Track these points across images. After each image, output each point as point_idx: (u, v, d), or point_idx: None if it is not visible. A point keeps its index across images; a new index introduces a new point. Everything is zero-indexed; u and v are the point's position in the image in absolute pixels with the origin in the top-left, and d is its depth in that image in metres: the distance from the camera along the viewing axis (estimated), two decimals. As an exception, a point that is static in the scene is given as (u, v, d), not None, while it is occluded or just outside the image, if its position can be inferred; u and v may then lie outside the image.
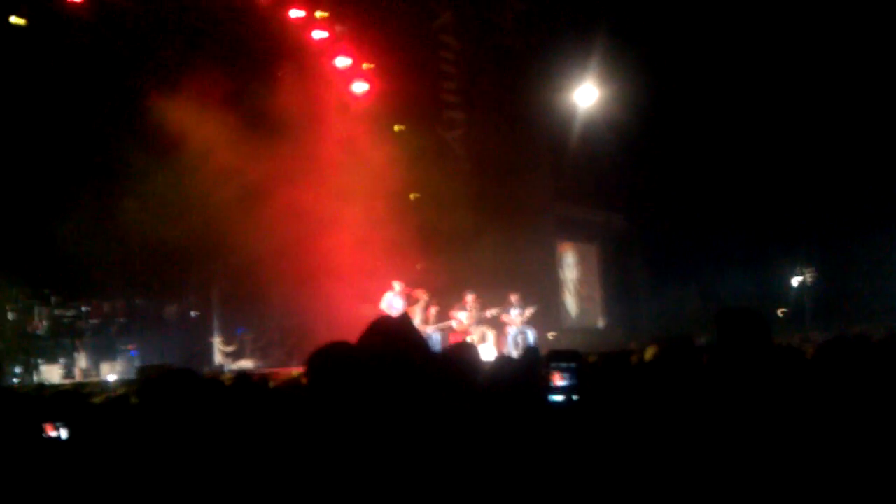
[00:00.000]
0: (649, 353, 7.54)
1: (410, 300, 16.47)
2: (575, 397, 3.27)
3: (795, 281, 25.13)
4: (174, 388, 3.25)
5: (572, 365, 3.33)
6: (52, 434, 3.62)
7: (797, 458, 3.00)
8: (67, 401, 4.23)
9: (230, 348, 17.58)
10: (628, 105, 21.94)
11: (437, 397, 2.13)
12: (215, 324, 17.75)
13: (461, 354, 2.55)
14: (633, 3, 21.79)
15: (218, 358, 17.36)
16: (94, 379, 15.18)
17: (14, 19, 15.28)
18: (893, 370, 4.14)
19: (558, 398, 3.24)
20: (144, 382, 9.46)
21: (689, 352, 5.40)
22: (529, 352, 8.29)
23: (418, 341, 2.56)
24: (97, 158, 16.34)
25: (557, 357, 3.38)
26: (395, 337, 2.55)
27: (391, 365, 2.44)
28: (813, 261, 24.84)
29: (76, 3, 15.86)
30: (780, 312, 24.37)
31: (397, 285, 16.44)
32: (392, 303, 16.27)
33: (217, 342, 17.39)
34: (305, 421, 2.57)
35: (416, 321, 16.16)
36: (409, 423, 2.27)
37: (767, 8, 21.62)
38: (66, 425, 3.58)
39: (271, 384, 7.30)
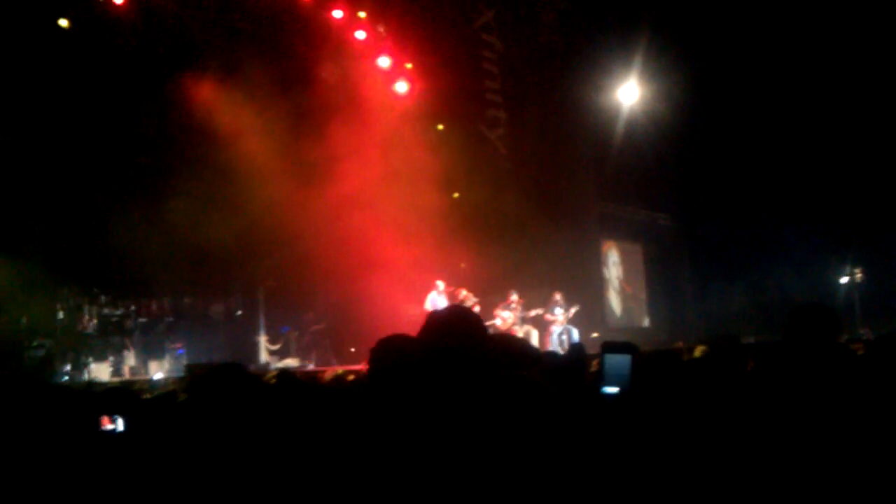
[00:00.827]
0: (698, 351, 7.49)
1: (454, 299, 16.48)
2: (627, 389, 3.24)
3: (844, 279, 24.78)
4: (222, 380, 3.28)
5: (627, 357, 3.31)
6: (109, 427, 3.67)
7: (846, 457, 2.96)
8: (120, 396, 4.30)
9: (276, 346, 17.71)
10: (672, 102, 21.78)
11: (497, 385, 2.13)
12: (261, 322, 17.88)
13: (512, 342, 2.55)
14: (676, 1, 21.59)
15: (264, 356, 17.49)
16: (142, 377, 15.37)
17: (61, 22, 15.51)
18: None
19: (612, 390, 3.22)
20: (192, 379, 9.56)
21: (736, 351, 5.35)
22: (575, 349, 8.24)
23: (476, 329, 2.56)
24: (144, 159, 16.55)
25: (612, 348, 3.36)
26: (453, 329, 2.55)
27: (451, 356, 2.44)
28: (862, 259, 24.47)
29: (119, 6, 16.06)
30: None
31: (441, 284, 16.49)
32: (436, 302, 16.31)
33: (263, 340, 17.53)
34: (360, 414, 2.58)
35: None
36: (466, 413, 2.27)
37: (815, 2, 21.32)
38: (122, 417, 3.64)
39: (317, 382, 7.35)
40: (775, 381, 3.44)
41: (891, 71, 21.39)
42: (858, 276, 24.42)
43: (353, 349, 17.14)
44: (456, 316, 2.60)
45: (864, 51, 21.51)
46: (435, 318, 2.63)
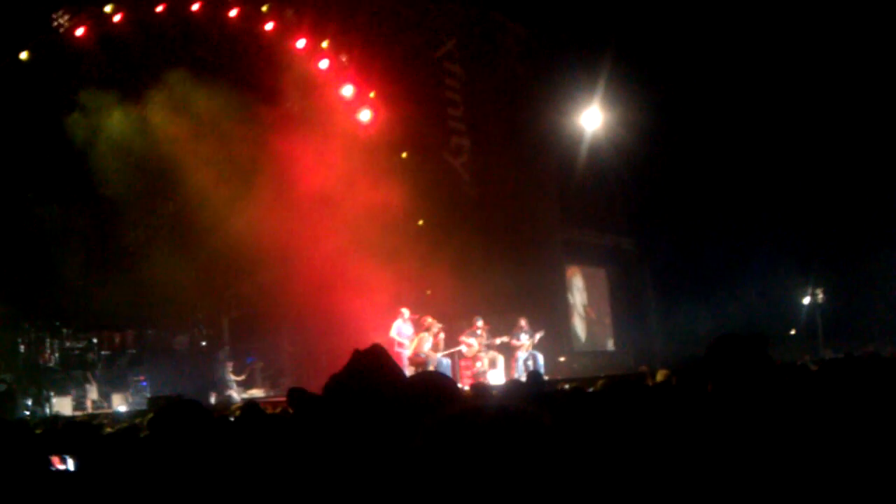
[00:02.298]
0: (660, 375, 7.57)
1: (419, 327, 16.47)
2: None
3: (806, 300, 25.06)
4: (181, 419, 3.27)
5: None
6: (60, 467, 3.64)
7: (802, 475, 3.00)
8: (78, 432, 4.26)
9: (241, 377, 17.57)
10: (634, 128, 21.99)
11: (410, 422, 2.16)
12: (226, 353, 17.74)
13: (431, 382, 2.57)
14: (637, 28, 21.87)
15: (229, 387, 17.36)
16: (105, 410, 15.18)
17: (22, 55, 15.42)
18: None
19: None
20: (155, 414, 9.48)
21: (699, 374, 5.41)
22: (531, 376, 8.31)
23: (391, 372, 2.61)
24: (103, 190, 16.42)
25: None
26: (370, 368, 2.59)
27: (366, 394, 2.49)
28: (824, 280, 24.79)
29: (80, 37, 15.99)
30: (791, 332, 24.31)
31: (406, 312, 16.48)
32: (401, 330, 16.29)
33: (228, 372, 17.39)
34: (295, 449, 2.61)
35: (426, 347, 16.15)
36: (384, 446, 2.30)
37: (770, 33, 21.68)
38: (74, 457, 3.61)
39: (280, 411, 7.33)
40: (720, 406, 3.49)
41: (846, 97, 21.77)
42: (820, 296, 24.71)
43: (315, 379, 17.02)
44: (374, 356, 2.65)
45: (816, 77, 21.88)
46: (356, 357, 2.68)
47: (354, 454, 2.35)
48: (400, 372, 2.68)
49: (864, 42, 21.14)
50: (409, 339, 16.31)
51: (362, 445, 2.35)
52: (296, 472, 2.49)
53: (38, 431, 6.84)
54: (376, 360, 2.61)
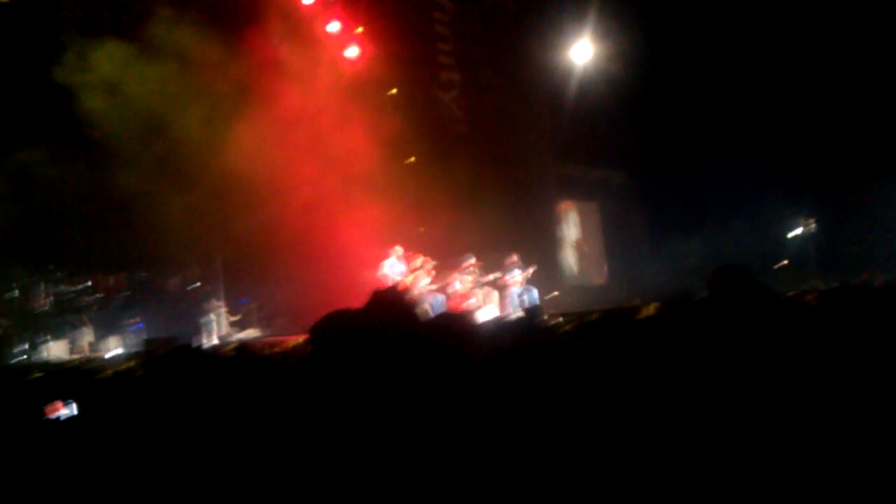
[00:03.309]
0: (651, 309, 7.61)
1: (412, 264, 16.49)
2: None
3: (798, 231, 25.13)
4: (177, 363, 3.28)
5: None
6: (64, 411, 3.65)
7: (796, 413, 3.02)
8: (73, 377, 4.27)
9: (235, 318, 17.63)
10: (625, 60, 21.84)
11: (434, 364, 2.16)
12: (220, 294, 17.77)
13: (453, 323, 2.57)
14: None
15: (224, 328, 17.42)
16: (101, 353, 15.25)
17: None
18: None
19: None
20: (149, 355, 9.52)
21: (689, 308, 5.42)
22: (530, 311, 8.33)
23: (410, 312, 2.60)
24: (92, 131, 16.27)
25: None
26: (391, 307, 2.58)
27: (390, 334, 2.47)
28: (814, 211, 24.84)
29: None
30: (783, 263, 24.39)
31: (398, 250, 16.48)
32: (393, 267, 16.29)
33: (223, 312, 17.43)
34: (306, 391, 2.60)
35: (420, 285, 16.19)
36: (409, 390, 2.30)
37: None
38: (75, 401, 3.62)
39: (276, 351, 7.37)
40: (715, 338, 3.50)
41: (843, 27, 21.58)
42: (812, 227, 24.76)
43: (310, 319, 17.07)
44: (393, 296, 2.64)
45: (814, 10, 21.67)
46: (374, 298, 2.67)
47: (380, 393, 2.35)
48: (417, 313, 2.67)
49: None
50: (402, 277, 16.34)
51: (389, 385, 2.34)
52: (309, 413, 2.49)
53: (37, 375, 6.87)
54: (395, 301, 2.60)
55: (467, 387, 2.04)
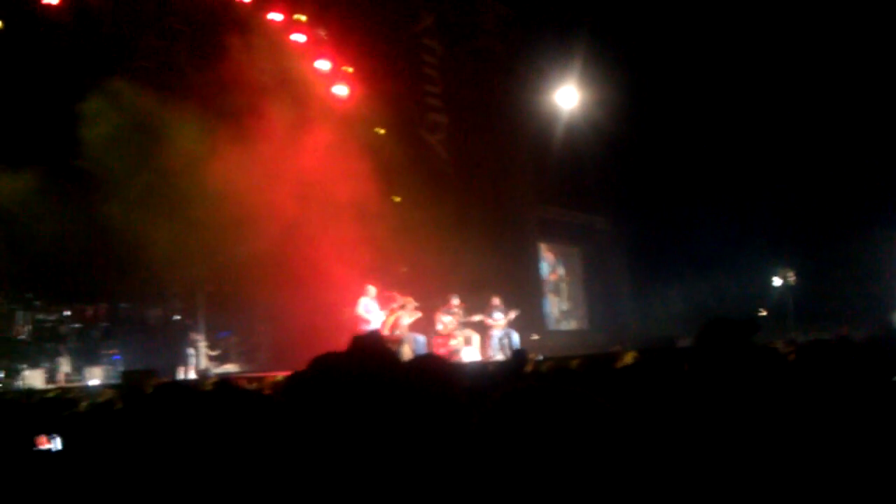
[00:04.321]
0: (629, 357, 7.64)
1: (391, 304, 16.42)
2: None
3: (777, 281, 25.29)
4: (163, 402, 3.27)
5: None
6: (46, 446, 3.64)
7: (777, 462, 3.05)
8: (56, 409, 4.25)
9: (215, 352, 17.53)
10: (610, 107, 22.04)
11: (414, 409, 2.18)
12: (201, 327, 17.68)
13: (429, 366, 2.60)
14: (614, 5, 21.88)
15: (203, 362, 17.32)
16: (77, 384, 15.12)
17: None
18: (875, 372, 4.21)
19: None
20: (128, 387, 9.46)
21: (670, 356, 5.46)
22: (517, 354, 8.33)
23: (391, 357, 2.62)
24: (78, 161, 16.27)
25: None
26: (372, 352, 2.60)
27: (369, 380, 2.49)
28: (794, 262, 25.03)
29: (54, 6, 15.80)
30: (762, 313, 24.52)
31: (372, 289, 16.36)
32: (368, 307, 16.17)
33: (202, 346, 17.35)
34: (282, 430, 2.62)
35: (402, 324, 16.15)
36: (387, 434, 2.32)
37: (746, 13, 21.75)
38: (59, 435, 3.61)
39: (255, 388, 7.33)
40: (698, 388, 3.53)
41: (820, 73, 21.90)
42: (791, 278, 24.93)
43: (290, 355, 17.07)
44: (373, 340, 2.67)
45: (790, 58, 22.01)
46: (357, 342, 2.69)
47: (359, 440, 2.36)
48: (397, 357, 2.69)
49: (833, 21, 21.23)
50: (376, 317, 16.24)
51: (369, 431, 2.36)
52: (283, 458, 2.50)
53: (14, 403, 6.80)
54: (376, 345, 2.63)
55: (457, 432, 2.06)
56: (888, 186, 22.61)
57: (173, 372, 15.53)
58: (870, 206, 22.91)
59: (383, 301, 16.45)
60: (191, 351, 16.89)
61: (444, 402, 2.63)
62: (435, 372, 2.58)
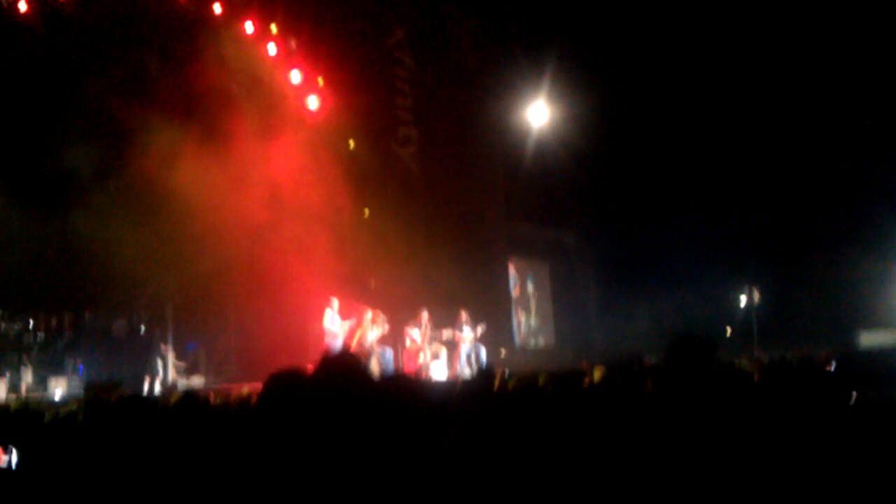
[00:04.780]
0: (597, 374, 7.65)
1: (360, 317, 16.39)
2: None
3: (743, 300, 25.48)
4: (123, 414, 3.25)
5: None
6: (4, 458, 3.59)
7: (742, 479, 3.08)
8: (17, 421, 4.20)
9: (182, 364, 17.38)
10: (580, 123, 22.16)
11: (382, 429, 2.18)
12: (169, 339, 17.53)
13: (400, 386, 2.59)
14: (586, 23, 22.03)
15: (171, 374, 17.17)
16: (40, 395, 14.94)
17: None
18: (837, 391, 4.26)
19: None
20: (91, 398, 9.35)
21: (636, 373, 5.48)
22: (484, 372, 8.32)
23: (362, 375, 2.61)
24: (44, 170, 16.12)
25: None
26: (342, 371, 2.59)
27: (339, 397, 2.48)
28: (760, 280, 25.23)
29: (24, 13, 15.69)
30: (727, 331, 24.69)
31: (335, 302, 16.30)
32: (333, 319, 16.12)
33: (170, 358, 17.20)
34: (249, 444, 2.60)
35: (370, 338, 16.12)
36: (355, 452, 2.31)
37: (711, 29, 21.98)
38: (18, 449, 3.56)
39: (220, 401, 7.28)
40: (663, 406, 3.56)
41: (782, 88, 22.16)
42: (756, 297, 25.12)
43: (259, 368, 17.01)
44: (346, 361, 2.66)
45: (759, 77, 22.26)
46: (326, 360, 2.68)
47: (332, 456, 2.35)
48: (369, 375, 2.68)
49: (802, 33, 21.49)
50: (341, 329, 16.18)
51: (342, 448, 2.35)
52: (257, 472, 2.48)
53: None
54: (347, 363, 2.62)
55: (431, 449, 2.07)
56: (853, 207, 22.90)
57: (139, 384, 15.37)
58: (835, 226, 23.17)
59: (348, 313, 16.40)
60: (158, 363, 16.73)
61: (414, 420, 2.63)
62: (406, 391, 2.58)
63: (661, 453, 3.24)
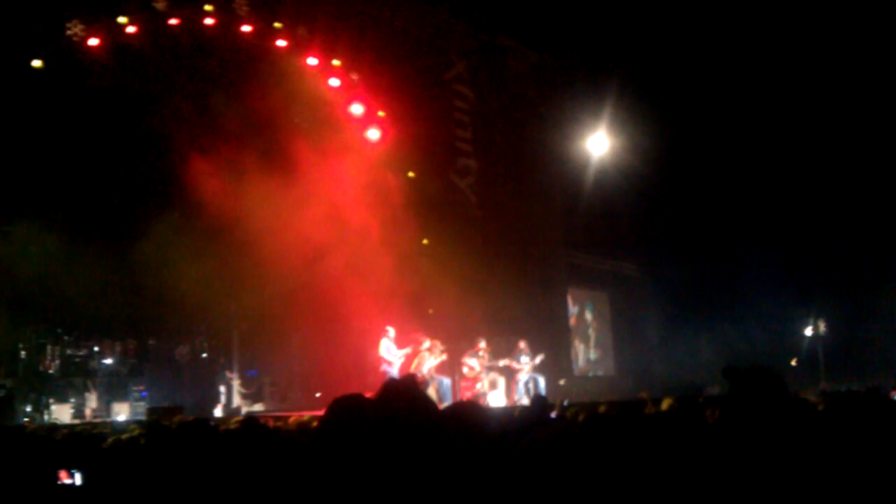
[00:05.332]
0: (665, 404, 7.55)
1: (418, 345, 16.37)
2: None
3: (808, 331, 25.01)
4: (184, 437, 3.28)
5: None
6: (67, 480, 3.64)
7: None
8: (81, 444, 4.27)
9: (248, 390, 17.57)
10: (641, 153, 22.04)
11: (445, 457, 2.16)
12: (234, 365, 17.74)
13: (464, 414, 2.58)
14: (646, 54, 21.96)
15: (236, 400, 17.35)
16: (104, 419, 15.18)
17: (34, 63, 15.49)
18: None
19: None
20: (153, 423, 9.47)
21: (703, 404, 5.39)
22: (538, 401, 8.26)
23: (425, 404, 2.60)
24: (112, 200, 16.47)
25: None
26: (404, 398, 2.58)
27: (401, 425, 2.47)
28: (826, 312, 24.76)
29: (93, 47, 16.09)
30: (793, 362, 24.25)
31: (391, 331, 16.29)
32: (390, 349, 16.11)
33: (235, 384, 17.39)
34: (310, 469, 2.60)
35: (427, 366, 16.09)
36: (416, 481, 2.30)
37: (777, 58, 21.75)
38: (81, 471, 3.62)
39: (280, 425, 7.32)
40: (727, 438, 3.49)
41: (854, 130, 21.82)
42: (822, 328, 24.65)
43: (318, 394, 17.11)
44: (409, 387, 2.65)
45: (828, 108, 21.93)
46: (389, 387, 2.67)
47: (385, 486, 2.34)
48: (431, 402, 2.67)
49: (869, 68, 21.18)
50: (397, 358, 16.16)
51: (402, 475, 2.33)
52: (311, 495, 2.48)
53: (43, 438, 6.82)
54: (409, 390, 2.61)
55: (493, 477, 2.05)
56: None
57: (202, 409, 15.55)
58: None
59: (405, 342, 16.40)
60: (221, 389, 16.92)
61: (476, 449, 2.61)
62: (469, 418, 2.57)
63: (723, 485, 3.17)
